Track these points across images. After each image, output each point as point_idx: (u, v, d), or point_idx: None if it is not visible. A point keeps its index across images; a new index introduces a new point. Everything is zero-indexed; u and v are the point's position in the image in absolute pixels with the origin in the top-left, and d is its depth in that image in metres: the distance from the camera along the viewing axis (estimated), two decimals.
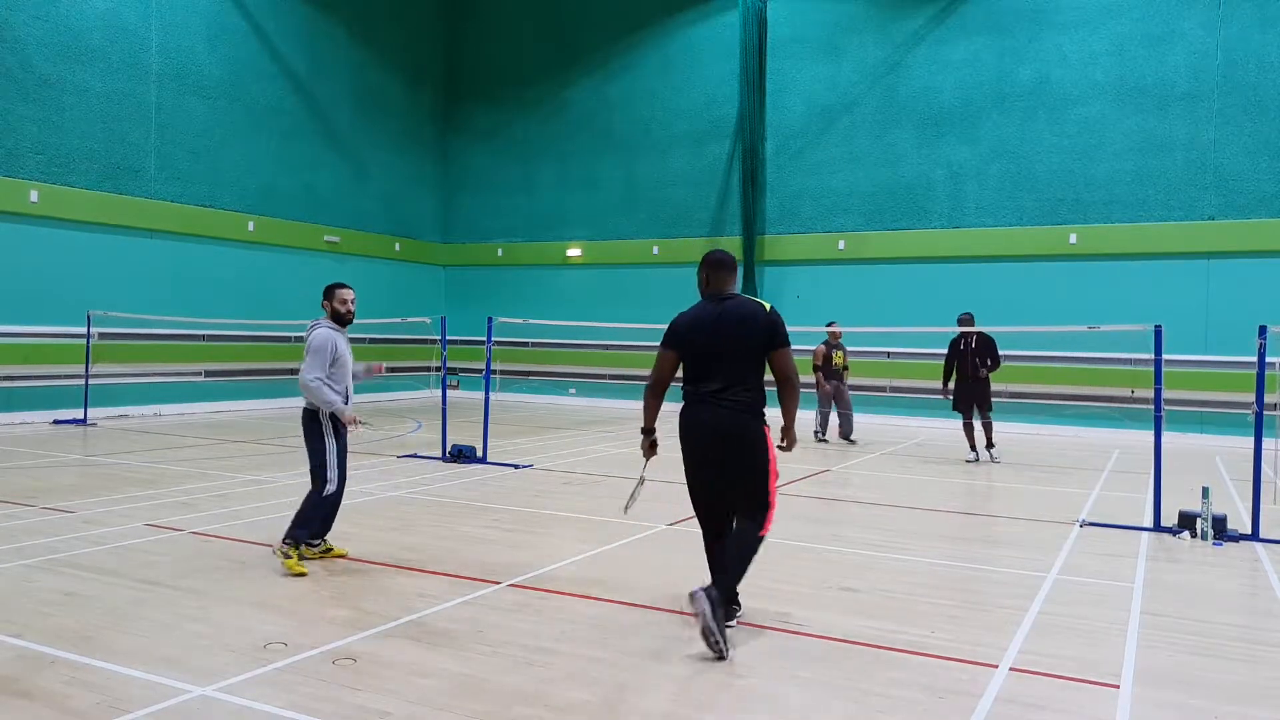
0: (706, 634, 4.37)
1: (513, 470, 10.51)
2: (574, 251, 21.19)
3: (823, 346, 14.16)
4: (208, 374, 17.30)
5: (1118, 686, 4.19)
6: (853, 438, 14.15)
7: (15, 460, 10.58)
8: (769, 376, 4.80)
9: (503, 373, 20.79)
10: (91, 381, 14.88)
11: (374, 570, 6.01)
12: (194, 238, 16.94)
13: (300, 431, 6.24)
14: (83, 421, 14.53)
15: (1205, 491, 7.57)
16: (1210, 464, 12.46)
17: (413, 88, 21.99)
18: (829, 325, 14.25)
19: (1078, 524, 7.99)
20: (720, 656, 4.39)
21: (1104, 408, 15.92)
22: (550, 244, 21.49)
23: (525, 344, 21.18)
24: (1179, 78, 15.70)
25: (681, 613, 5.20)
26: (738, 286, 5.12)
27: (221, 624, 4.84)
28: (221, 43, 17.40)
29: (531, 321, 13.78)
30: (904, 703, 3.95)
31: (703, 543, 5.03)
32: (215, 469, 10.16)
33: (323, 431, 6.10)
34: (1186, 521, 7.59)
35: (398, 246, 21.53)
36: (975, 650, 4.65)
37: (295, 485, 9.16)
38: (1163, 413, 7.97)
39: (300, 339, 18.72)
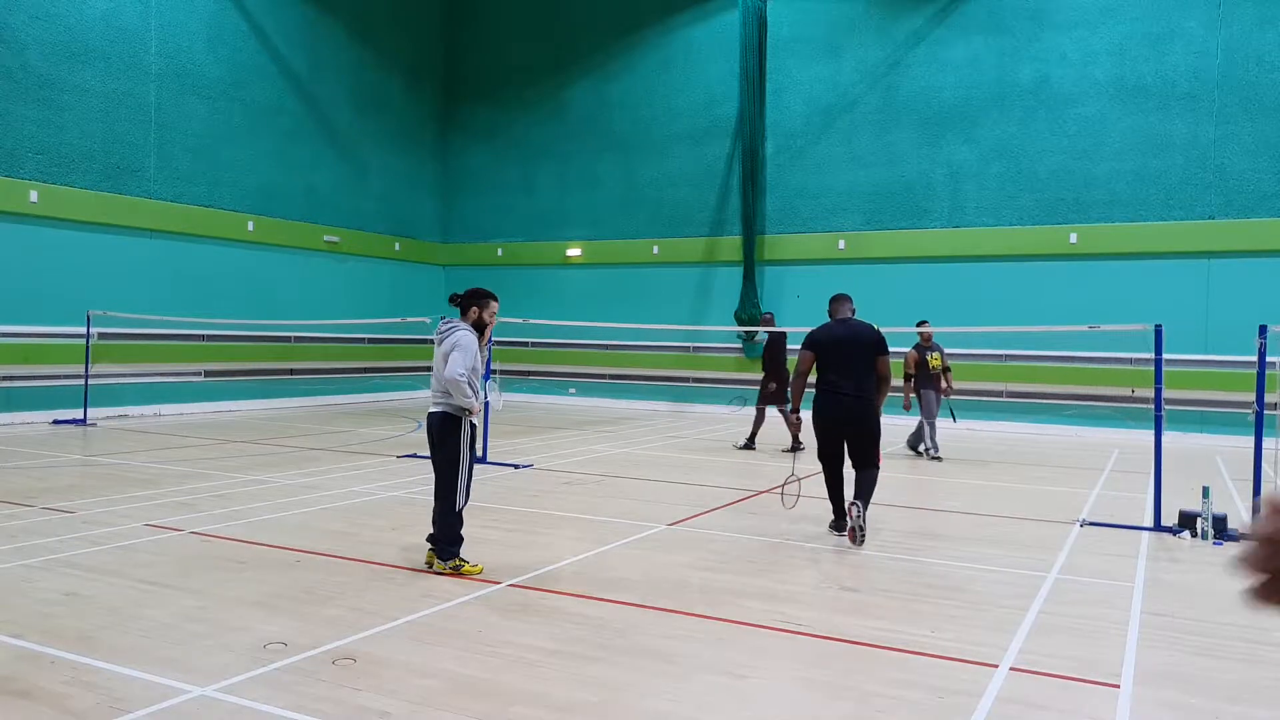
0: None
1: (513, 470, 10.50)
2: (574, 251, 21.18)
3: (914, 351, 12.42)
4: (207, 374, 17.29)
5: (1118, 686, 4.19)
6: (921, 449, 12.49)
7: (15, 460, 10.58)
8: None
9: (503, 373, 20.78)
10: (91, 381, 14.87)
11: (375, 570, 6.00)
12: (194, 238, 16.94)
13: (433, 438, 6.01)
14: (82, 421, 14.53)
15: (1205, 491, 7.57)
16: (1211, 463, 12.45)
17: (413, 88, 21.98)
18: (919, 325, 12.45)
19: (1078, 524, 7.99)
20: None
21: (1104, 407, 15.91)
22: (550, 244, 21.48)
23: (525, 344, 21.18)
24: (1179, 77, 15.70)
25: (680, 612, 5.21)
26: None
27: (221, 624, 4.84)
28: (221, 43, 17.40)
29: (531, 321, 13.78)
30: (904, 703, 3.95)
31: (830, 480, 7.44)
32: (215, 469, 10.15)
33: (460, 442, 5.96)
34: (1187, 521, 7.59)
35: (397, 246, 21.53)
36: (976, 650, 4.64)
37: (294, 485, 9.16)
38: (1163, 412, 7.96)
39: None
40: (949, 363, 12.65)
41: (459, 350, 5.94)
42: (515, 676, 4.16)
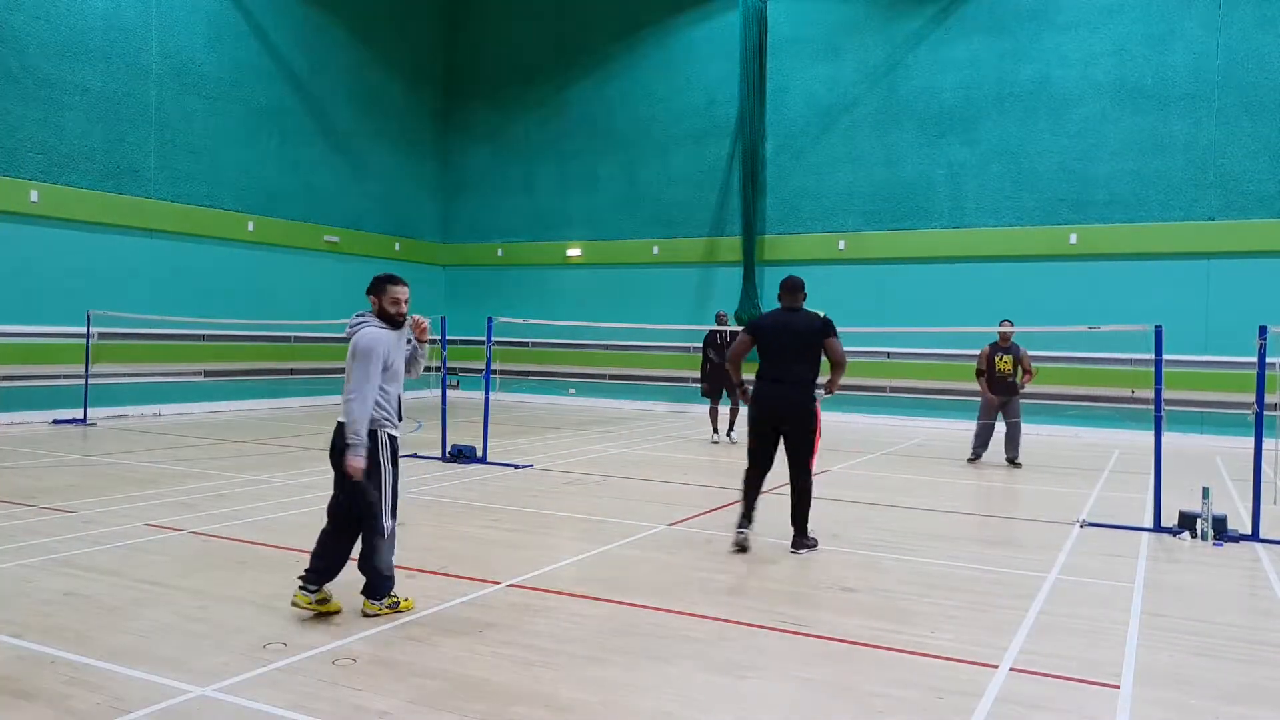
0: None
1: (513, 470, 10.50)
2: (574, 251, 21.19)
3: (987, 349, 11.94)
4: (208, 374, 17.29)
5: (1118, 687, 4.19)
6: (1018, 460, 11.77)
7: (15, 460, 10.58)
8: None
9: (503, 373, 20.79)
10: (91, 381, 14.88)
11: None
12: (194, 238, 16.94)
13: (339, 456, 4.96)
14: (82, 421, 14.52)
15: (1205, 492, 7.57)
16: (1210, 464, 12.45)
17: (413, 88, 21.98)
18: (1001, 325, 11.91)
19: (1078, 524, 7.99)
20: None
21: (1104, 408, 15.91)
22: (550, 244, 21.49)
23: (525, 344, 21.18)
24: (1179, 78, 15.70)
25: (680, 612, 5.21)
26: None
27: (221, 624, 4.84)
28: (221, 42, 17.40)
29: (531, 321, 13.78)
30: (904, 703, 3.95)
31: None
32: (215, 469, 10.15)
33: (380, 458, 4.95)
34: (1187, 522, 7.59)
35: (398, 246, 21.53)
36: (975, 650, 4.64)
37: (294, 485, 9.16)
38: (1163, 413, 7.96)
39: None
40: (1032, 365, 11.84)
41: (357, 361, 4.85)
42: (515, 676, 4.17)
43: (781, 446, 6.85)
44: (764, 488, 6.98)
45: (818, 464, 7.02)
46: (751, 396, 6.85)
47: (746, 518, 6.80)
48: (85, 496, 8.36)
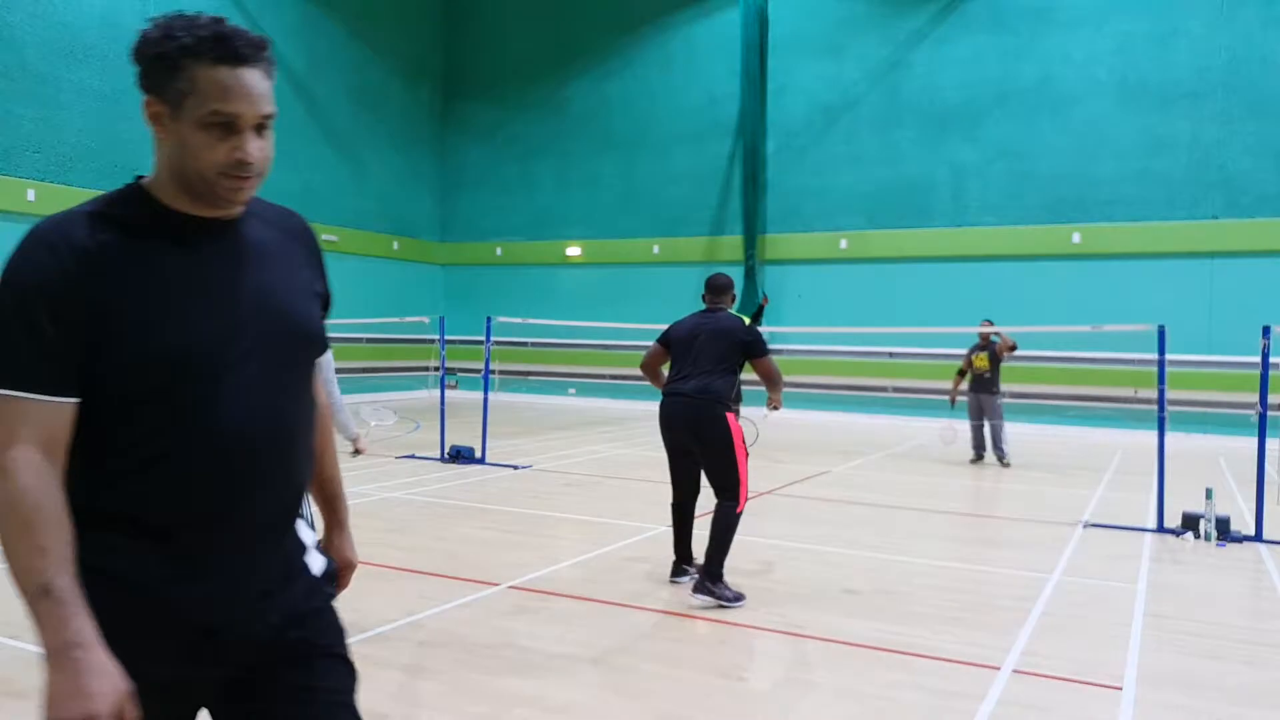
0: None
1: (512, 471, 10.47)
2: (574, 251, 21.16)
3: (969, 350, 12.05)
4: None
5: (1120, 688, 4.16)
6: (1006, 460, 11.71)
7: None
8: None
9: (502, 373, 20.76)
10: None
11: (374, 572, 5.97)
12: None
13: None
14: None
15: (1209, 492, 7.55)
16: (1214, 465, 12.41)
17: (411, 86, 21.95)
18: (981, 324, 11.94)
19: (1080, 525, 7.96)
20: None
21: (1107, 408, 15.88)
22: (550, 243, 21.45)
23: (525, 344, 21.15)
24: (1183, 76, 15.66)
25: (680, 613, 5.18)
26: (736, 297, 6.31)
27: None
28: None
29: (531, 321, 13.74)
30: (905, 705, 3.92)
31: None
32: None
33: None
34: (1190, 522, 7.55)
35: (396, 245, 21.50)
36: (977, 652, 4.61)
37: None
38: (1166, 413, 7.93)
39: None
40: (1004, 356, 11.71)
41: (329, 364, 4.69)
42: (515, 676, 4.14)
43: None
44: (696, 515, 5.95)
45: (750, 489, 5.84)
46: (659, 414, 5.75)
47: (681, 561, 5.85)
48: None
